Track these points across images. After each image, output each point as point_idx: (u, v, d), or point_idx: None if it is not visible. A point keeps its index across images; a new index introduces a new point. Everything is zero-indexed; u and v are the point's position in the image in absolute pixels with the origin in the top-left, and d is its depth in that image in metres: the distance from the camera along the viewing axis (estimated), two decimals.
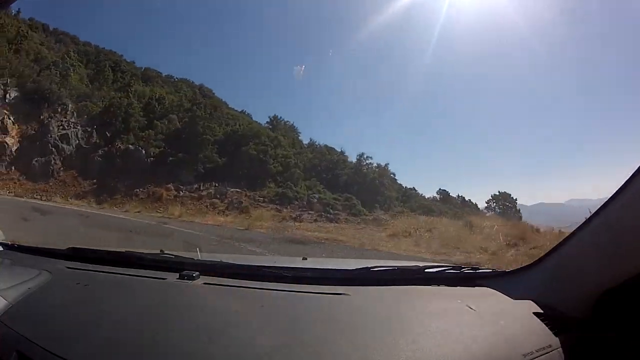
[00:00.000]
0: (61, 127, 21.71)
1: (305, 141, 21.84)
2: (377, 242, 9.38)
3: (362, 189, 19.04)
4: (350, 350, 0.94)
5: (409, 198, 20.60)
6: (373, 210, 16.99)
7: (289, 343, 0.98)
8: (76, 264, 1.61)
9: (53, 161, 21.45)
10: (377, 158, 20.39)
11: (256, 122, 20.69)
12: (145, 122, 20.92)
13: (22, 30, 22.48)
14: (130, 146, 20.92)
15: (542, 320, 1.03)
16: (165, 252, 1.64)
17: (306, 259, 1.89)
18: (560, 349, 0.97)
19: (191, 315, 1.14)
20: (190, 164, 19.51)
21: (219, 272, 1.45)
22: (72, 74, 21.77)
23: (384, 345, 0.96)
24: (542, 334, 1.00)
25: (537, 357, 0.94)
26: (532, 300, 1.10)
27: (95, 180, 20.45)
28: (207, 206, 17.31)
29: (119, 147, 21.14)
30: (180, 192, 18.61)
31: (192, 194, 18.38)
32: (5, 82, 21.66)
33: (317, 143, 21.77)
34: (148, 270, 1.49)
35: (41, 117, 21.77)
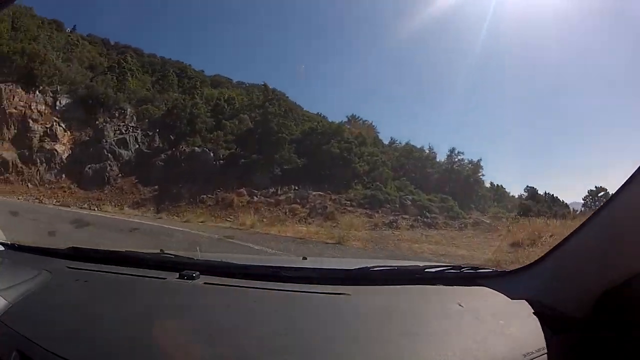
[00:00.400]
0: (118, 131, 20.60)
1: (385, 141, 20.73)
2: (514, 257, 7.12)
3: (455, 189, 17.57)
4: (351, 350, 0.96)
5: (500, 197, 19.27)
6: (469, 212, 15.57)
7: (289, 343, 1.00)
8: (76, 264, 1.62)
9: (109, 167, 19.91)
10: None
11: (333, 122, 19.58)
12: (214, 123, 19.88)
13: (71, 39, 21.90)
14: (196, 148, 19.62)
15: (542, 320, 1.04)
16: (166, 252, 1.66)
17: (306, 258, 2.00)
18: (560, 349, 0.97)
19: (191, 315, 1.17)
20: (265, 165, 17.96)
21: (219, 271, 1.47)
22: (130, 79, 21.00)
23: (384, 345, 0.98)
24: (542, 334, 1.00)
25: (537, 357, 0.94)
26: (532, 300, 1.10)
27: (156, 187, 18.83)
28: (285, 213, 15.43)
29: (184, 149, 19.82)
30: (255, 197, 16.81)
31: (268, 199, 16.60)
32: (55, 89, 21.09)
33: (397, 142, 20.77)
34: (148, 270, 1.50)
35: (96, 122, 20.54)
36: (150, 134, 20.36)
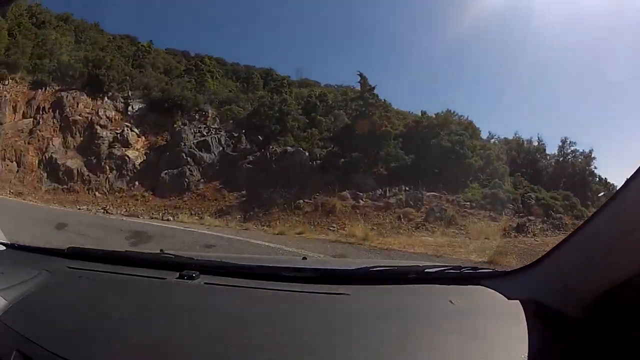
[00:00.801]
0: (199, 134, 19.33)
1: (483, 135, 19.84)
2: None
3: (569, 184, 16.66)
4: (350, 350, 0.97)
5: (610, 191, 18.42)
6: (589, 210, 14.49)
7: (289, 343, 1.01)
8: (76, 264, 1.64)
9: (188, 172, 18.51)
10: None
11: (439, 113, 18.59)
12: (306, 120, 18.68)
13: (142, 46, 21.01)
14: (289, 148, 18.36)
15: (542, 320, 1.04)
16: (165, 251, 1.67)
17: (306, 258, 2.04)
18: (560, 350, 0.98)
19: (191, 315, 1.18)
20: (368, 164, 16.50)
21: (219, 271, 1.49)
22: (209, 80, 19.98)
23: (384, 345, 0.99)
24: (542, 334, 1.01)
25: (536, 357, 0.95)
26: (532, 300, 1.10)
27: (243, 192, 17.42)
28: (398, 218, 13.60)
29: (275, 150, 18.50)
30: (360, 201, 14.91)
31: (376, 203, 14.71)
32: (126, 95, 20.42)
33: (496, 136, 19.93)
34: (148, 270, 1.53)
35: (174, 125, 19.27)
36: (236, 135, 19.17)
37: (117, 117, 20.03)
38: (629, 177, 0.87)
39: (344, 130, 18.66)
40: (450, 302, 1.18)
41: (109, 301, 1.32)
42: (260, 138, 19.32)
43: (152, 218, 16.24)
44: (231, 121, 19.85)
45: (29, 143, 19.88)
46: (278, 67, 24.10)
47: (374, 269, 1.47)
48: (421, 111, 18.18)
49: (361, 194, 15.19)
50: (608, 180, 18.04)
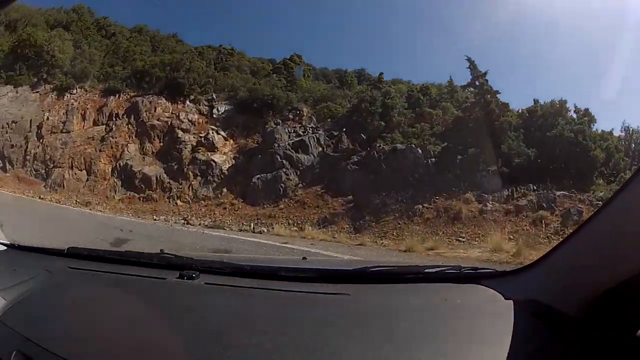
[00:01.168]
0: (294, 133, 17.68)
1: None
2: None
3: None
4: (350, 350, 0.98)
5: None
6: None
7: (289, 342, 1.03)
8: (76, 264, 1.65)
9: (284, 176, 16.86)
10: None
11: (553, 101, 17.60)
12: (413, 115, 17.50)
13: (223, 49, 20.52)
14: (398, 145, 16.72)
15: (542, 321, 1.05)
16: (165, 251, 1.68)
17: (306, 258, 2.07)
18: (560, 350, 0.99)
19: (191, 314, 1.19)
20: (487, 161, 14.43)
21: (219, 271, 1.50)
22: (301, 78, 18.94)
23: (383, 345, 1.00)
24: (541, 334, 1.02)
25: (536, 357, 0.97)
26: (532, 300, 1.11)
27: (349, 197, 15.40)
28: (533, 224, 11.68)
29: (382, 148, 16.94)
30: (488, 205, 12.69)
31: (504, 206, 12.61)
32: (210, 97, 19.32)
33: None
34: (148, 270, 1.54)
35: (265, 126, 17.88)
36: (336, 134, 17.56)
37: (200, 121, 18.51)
38: (628, 177, 0.89)
39: (455, 124, 17.37)
40: (450, 302, 1.21)
41: (109, 301, 1.34)
42: (364, 136, 17.86)
43: (242, 230, 14.08)
44: (329, 119, 18.45)
45: (100, 150, 18.04)
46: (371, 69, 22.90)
47: (374, 269, 1.49)
48: (533, 99, 17.14)
49: (486, 195, 13.01)
50: None
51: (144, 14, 31.87)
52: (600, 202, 11.52)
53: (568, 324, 0.99)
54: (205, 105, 18.84)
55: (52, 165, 18.45)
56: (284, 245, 9.66)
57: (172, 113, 18.52)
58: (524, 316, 1.06)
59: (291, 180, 17.06)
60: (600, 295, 0.95)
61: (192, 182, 17.41)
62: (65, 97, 19.61)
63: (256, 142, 18.26)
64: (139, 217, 15.59)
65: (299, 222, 15.01)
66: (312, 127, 18.29)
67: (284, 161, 17.35)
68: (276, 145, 17.70)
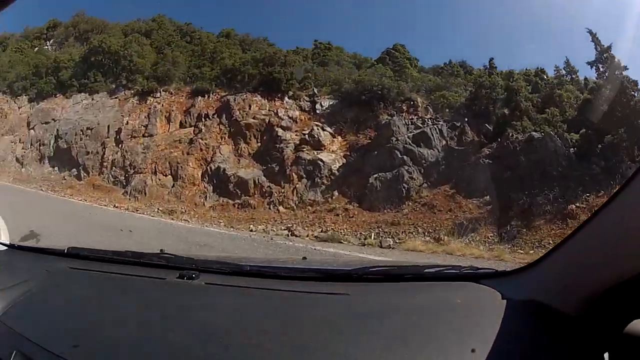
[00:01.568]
0: (412, 125, 15.31)
1: None
2: None
3: None
4: (350, 350, 0.99)
5: None
6: None
7: (289, 342, 1.05)
8: (76, 264, 1.68)
9: (407, 175, 14.15)
10: None
11: None
12: (539, 100, 15.04)
13: (320, 44, 19.83)
14: (534, 134, 14.12)
15: (541, 321, 1.06)
16: (165, 251, 1.69)
17: (306, 258, 2.10)
18: (560, 349, 1.00)
19: (191, 314, 1.22)
20: (630, 149, 12.36)
21: (219, 271, 1.51)
22: (409, 67, 17.08)
23: (383, 345, 1.02)
24: (541, 334, 1.03)
25: (536, 357, 0.97)
26: (532, 300, 1.12)
27: (486, 197, 12.79)
28: None
29: (516, 138, 14.27)
30: None
31: None
32: (311, 92, 17.30)
33: None
34: (148, 270, 1.56)
35: (378, 119, 15.72)
36: (458, 124, 15.07)
37: (302, 117, 16.43)
38: (628, 177, 0.89)
39: (584, 108, 14.67)
40: (450, 301, 1.22)
41: (109, 301, 1.36)
42: (488, 126, 15.35)
43: (364, 244, 11.33)
44: (447, 109, 16.09)
45: (188, 153, 16.02)
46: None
47: (374, 269, 1.50)
48: None
49: None
50: None
51: (231, 19, 31.77)
52: None
53: (568, 324, 1.00)
54: (307, 101, 16.84)
55: (132, 171, 16.84)
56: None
57: (269, 110, 16.55)
58: (524, 316, 1.08)
59: (415, 179, 14.37)
60: (600, 295, 0.95)
61: (297, 185, 14.95)
62: (148, 101, 18.14)
63: (368, 137, 15.89)
64: (232, 227, 13.14)
65: (430, 229, 12.21)
66: (430, 119, 15.88)
67: (405, 157, 14.76)
68: (394, 139, 15.21)
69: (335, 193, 14.62)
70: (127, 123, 17.86)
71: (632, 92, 13.36)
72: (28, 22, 28.05)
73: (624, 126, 12.25)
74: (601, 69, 14.73)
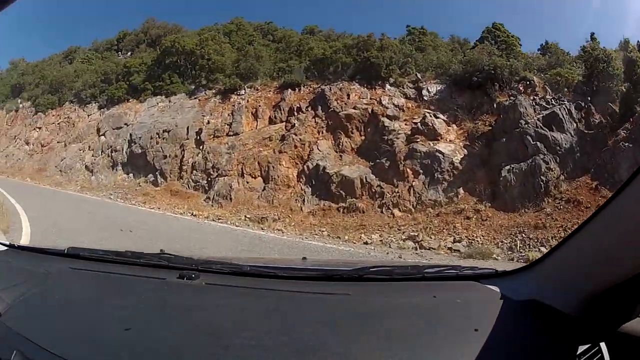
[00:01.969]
0: (539, 107, 13.12)
1: None
2: None
3: None
4: (350, 350, 1.00)
5: None
6: None
7: (289, 342, 1.05)
8: (76, 264, 1.69)
9: (543, 166, 11.77)
10: None
11: None
12: None
13: (413, 29, 18.49)
14: None
15: (541, 320, 1.07)
16: (165, 252, 1.71)
17: (306, 258, 2.11)
18: (559, 349, 1.01)
19: (191, 314, 1.22)
20: None
21: (219, 271, 1.53)
22: (516, 45, 15.36)
23: (383, 344, 1.02)
24: (541, 334, 1.04)
25: (536, 356, 0.98)
26: (532, 301, 1.14)
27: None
28: None
29: None
30: None
31: None
32: (414, 78, 15.41)
33: None
34: (148, 270, 1.58)
35: (495, 102, 13.64)
36: (583, 104, 12.67)
37: (410, 105, 14.50)
38: (628, 177, 0.89)
39: None
40: (449, 301, 1.24)
41: (109, 301, 1.35)
42: (611, 105, 12.90)
43: (517, 258, 9.06)
44: (565, 89, 13.71)
45: (280, 152, 14.34)
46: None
47: (374, 269, 1.51)
48: None
49: None
50: None
51: (310, 17, 31.54)
52: None
53: (568, 324, 1.02)
54: (410, 88, 15.05)
55: (215, 174, 15.36)
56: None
57: (370, 99, 14.70)
58: (523, 316, 1.11)
59: (553, 170, 11.98)
60: (600, 295, 0.97)
61: (413, 183, 12.89)
62: (232, 99, 16.79)
63: (487, 123, 13.67)
64: (338, 237, 11.01)
65: None
66: (552, 99, 13.51)
67: (538, 143, 12.45)
68: (523, 122, 12.95)
69: (461, 191, 12.51)
70: (209, 122, 16.61)
71: None
72: (99, 35, 28.54)
73: None
74: None
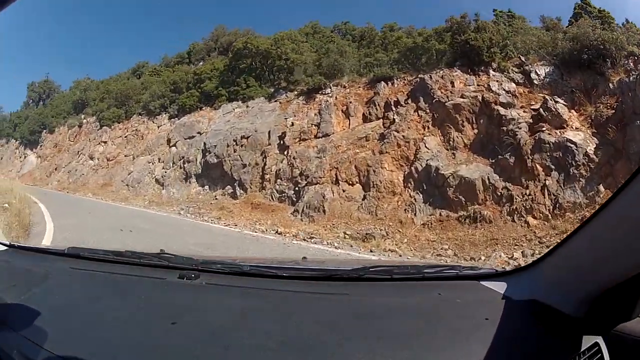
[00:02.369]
0: None
1: None
2: None
3: None
4: (350, 350, 1.02)
5: None
6: None
7: (288, 342, 1.07)
8: (76, 264, 1.71)
9: None
10: None
11: None
12: None
13: (501, 12, 17.05)
14: None
15: (541, 321, 1.09)
16: (165, 252, 1.72)
17: (306, 258, 2.12)
18: (559, 349, 1.01)
19: (191, 315, 1.24)
20: None
21: (219, 271, 1.55)
22: (611, 18, 14.59)
23: (383, 344, 1.03)
24: (541, 334, 1.05)
25: (535, 357, 1.00)
26: (532, 301, 1.15)
27: None
28: None
29: None
30: None
31: None
32: (517, 63, 13.89)
33: None
34: (148, 270, 1.61)
35: (610, 81, 12.16)
36: None
37: (520, 91, 13.10)
38: (628, 177, 0.89)
39: None
40: (449, 301, 1.26)
41: (109, 301, 1.36)
42: None
43: None
44: None
45: (381, 152, 13.07)
46: None
47: (373, 269, 1.53)
48: None
49: None
50: None
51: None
52: None
53: (568, 325, 1.03)
54: (516, 72, 13.58)
55: (304, 182, 14.11)
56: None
57: (477, 86, 13.26)
58: (524, 316, 1.13)
59: None
60: (600, 295, 0.99)
61: (546, 181, 11.16)
62: (316, 98, 15.84)
63: (608, 105, 11.82)
64: (472, 258, 9.23)
65: None
66: None
67: None
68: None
69: (601, 188, 10.67)
70: (293, 124, 15.62)
71: None
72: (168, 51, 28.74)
73: None
74: None
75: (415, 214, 11.70)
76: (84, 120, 29.02)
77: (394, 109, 14.01)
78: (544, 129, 12.02)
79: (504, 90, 13.11)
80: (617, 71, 12.77)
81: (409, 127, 13.33)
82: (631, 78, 11.94)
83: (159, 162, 20.49)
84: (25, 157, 35.27)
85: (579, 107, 12.49)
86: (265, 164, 15.63)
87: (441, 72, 14.06)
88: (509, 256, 9.17)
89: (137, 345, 1.07)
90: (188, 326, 1.14)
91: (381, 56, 16.08)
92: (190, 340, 1.05)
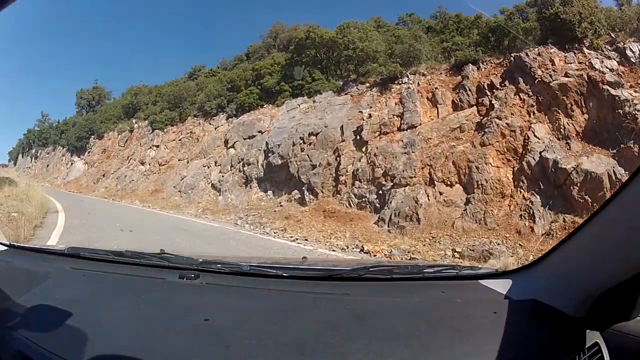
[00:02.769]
0: None
1: None
2: None
3: None
4: (350, 350, 1.01)
5: None
6: None
7: (289, 342, 1.06)
8: (76, 264, 1.72)
9: None
10: None
11: None
12: None
13: None
14: None
15: (541, 321, 1.08)
16: (166, 252, 1.73)
17: (306, 258, 2.08)
18: (559, 349, 1.02)
19: (191, 315, 1.23)
20: None
21: (219, 271, 1.55)
22: None
23: (383, 344, 1.04)
24: (541, 334, 1.06)
25: (536, 357, 1.00)
26: (532, 300, 1.14)
27: None
28: None
29: None
30: None
31: None
32: (609, 39, 12.50)
33: None
34: (148, 270, 1.62)
35: None
36: None
37: (623, 69, 11.61)
38: (628, 177, 0.89)
39: None
40: (449, 301, 1.27)
41: (109, 301, 1.36)
42: None
43: None
44: None
45: (482, 144, 11.55)
46: None
47: (374, 268, 1.56)
48: None
49: None
50: None
51: None
52: None
53: (568, 324, 1.03)
54: (609, 50, 12.14)
55: (389, 184, 12.61)
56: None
57: (579, 64, 11.53)
58: (524, 316, 1.12)
59: None
60: (600, 295, 0.97)
61: None
62: (393, 88, 14.61)
63: None
64: None
65: None
66: None
67: None
68: None
69: None
70: (370, 116, 14.41)
71: None
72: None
73: None
74: None
75: (534, 221, 9.95)
76: (135, 125, 28.70)
77: (488, 93, 12.58)
78: None
79: (607, 68, 11.42)
80: None
81: (512, 114, 11.89)
82: None
83: (215, 165, 19.50)
84: (71, 164, 35.30)
85: None
86: (339, 164, 14.18)
87: (538, 49, 12.51)
88: None
89: (137, 345, 1.06)
90: (188, 326, 1.14)
91: (460, 39, 14.88)
92: (190, 340, 1.06)
